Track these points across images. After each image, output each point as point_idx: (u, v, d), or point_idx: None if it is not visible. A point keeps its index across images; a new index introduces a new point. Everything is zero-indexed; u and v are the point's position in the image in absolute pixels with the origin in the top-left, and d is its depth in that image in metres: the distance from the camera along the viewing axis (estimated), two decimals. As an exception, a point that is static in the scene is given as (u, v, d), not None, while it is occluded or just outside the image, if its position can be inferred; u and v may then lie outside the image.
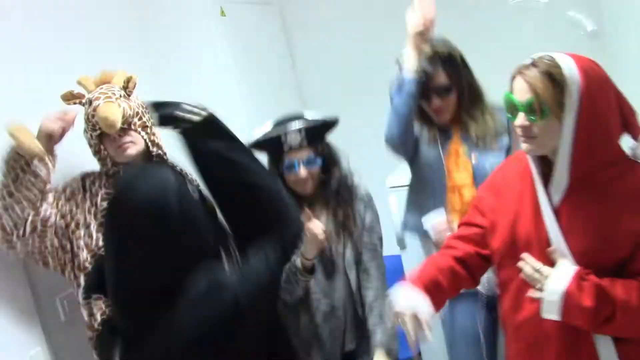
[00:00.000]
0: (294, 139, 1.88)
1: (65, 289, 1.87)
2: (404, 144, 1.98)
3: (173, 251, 1.27)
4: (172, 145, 1.64)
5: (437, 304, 1.47)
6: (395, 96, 1.92)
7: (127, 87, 1.79)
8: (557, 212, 1.34)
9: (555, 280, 1.29)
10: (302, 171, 1.90)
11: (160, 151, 1.81)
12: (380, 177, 2.52)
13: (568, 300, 1.28)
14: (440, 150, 1.95)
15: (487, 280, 1.80)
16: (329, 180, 1.97)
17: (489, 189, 1.55)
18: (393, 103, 1.93)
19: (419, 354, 2.68)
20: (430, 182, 2.00)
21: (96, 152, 1.78)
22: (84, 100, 1.77)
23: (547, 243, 1.34)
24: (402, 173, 2.65)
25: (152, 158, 1.80)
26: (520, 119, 1.31)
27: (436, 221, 1.88)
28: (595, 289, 1.27)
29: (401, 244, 2.55)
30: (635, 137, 1.34)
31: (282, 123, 1.91)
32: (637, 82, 2.22)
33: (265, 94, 2.77)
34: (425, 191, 2.04)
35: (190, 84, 2.52)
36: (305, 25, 3.18)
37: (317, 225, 1.85)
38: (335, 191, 1.98)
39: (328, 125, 1.95)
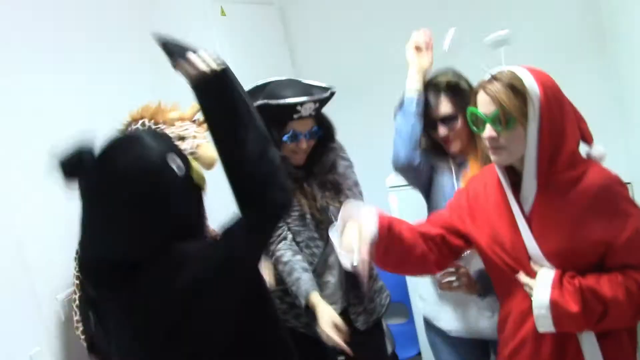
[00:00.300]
0: (308, 109, 1.87)
1: (65, 288, 1.87)
2: (412, 168, 1.92)
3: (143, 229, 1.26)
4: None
5: (386, 247, 1.46)
6: (397, 116, 1.91)
7: (201, 126, 1.88)
8: (529, 218, 1.40)
9: (538, 293, 1.35)
10: (304, 143, 1.90)
11: None
12: (380, 177, 2.52)
13: (555, 310, 1.33)
14: (454, 181, 1.88)
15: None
16: (321, 152, 1.97)
17: (468, 200, 1.58)
18: (396, 123, 1.91)
19: (419, 353, 2.68)
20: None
21: None
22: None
23: (523, 246, 1.41)
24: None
25: None
26: (488, 130, 1.38)
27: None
28: (580, 292, 1.32)
29: (401, 243, 2.55)
30: (588, 142, 1.44)
31: (284, 87, 1.91)
32: (637, 83, 2.22)
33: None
34: None
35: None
36: (305, 25, 3.18)
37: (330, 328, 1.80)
38: (326, 161, 1.99)
39: (332, 95, 1.96)
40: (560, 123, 1.35)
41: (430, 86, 1.87)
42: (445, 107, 1.83)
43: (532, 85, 1.34)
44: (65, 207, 1.81)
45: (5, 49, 1.85)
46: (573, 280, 1.34)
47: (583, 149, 1.44)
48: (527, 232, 1.40)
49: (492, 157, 1.42)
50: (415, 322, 2.64)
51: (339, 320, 1.82)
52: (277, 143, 1.90)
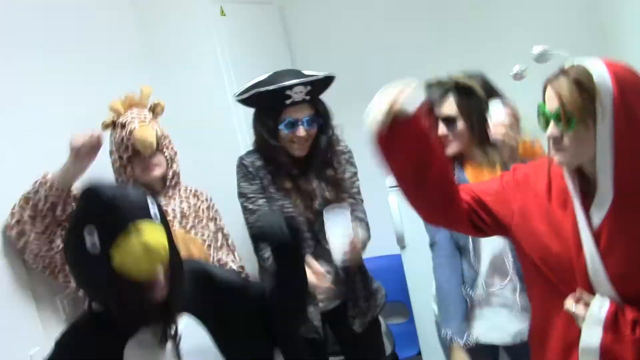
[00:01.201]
0: (300, 92, 1.82)
1: (66, 288, 1.87)
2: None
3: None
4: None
5: (408, 136, 1.30)
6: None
7: (155, 111, 1.94)
8: (596, 233, 1.24)
9: (588, 331, 1.21)
10: (302, 131, 1.86)
11: (177, 169, 1.98)
12: (380, 177, 2.51)
13: (606, 356, 1.19)
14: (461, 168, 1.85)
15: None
16: (320, 141, 1.95)
17: (518, 187, 1.41)
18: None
19: (419, 353, 2.68)
20: None
21: (121, 174, 1.88)
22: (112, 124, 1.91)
23: (584, 265, 1.25)
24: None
25: (171, 175, 1.96)
26: (550, 128, 1.25)
27: None
28: (636, 340, 1.17)
29: (401, 243, 2.55)
30: None
31: (282, 75, 1.86)
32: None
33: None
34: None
35: (190, 84, 2.52)
36: (305, 25, 3.18)
37: (318, 274, 1.82)
38: (324, 151, 1.96)
39: (329, 81, 1.93)
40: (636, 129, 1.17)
41: (441, 83, 1.82)
42: (448, 107, 1.80)
43: (603, 81, 1.17)
44: (65, 207, 1.82)
45: (5, 50, 1.85)
46: (632, 321, 1.18)
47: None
48: (592, 249, 1.23)
49: (555, 158, 1.27)
50: (416, 322, 2.64)
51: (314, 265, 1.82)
52: (274, 132, 1.88)
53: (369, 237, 2.02)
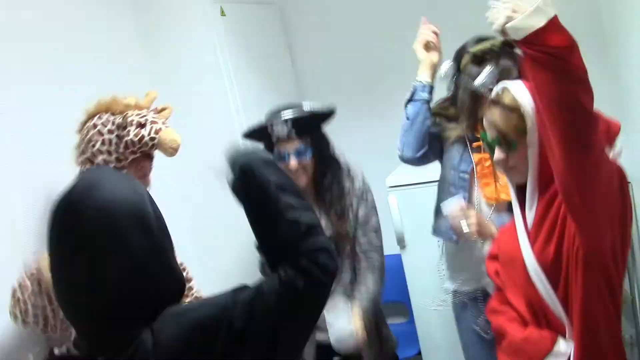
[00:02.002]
0: (280, 130, 1.88)
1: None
2: (418, 159, 1.96)
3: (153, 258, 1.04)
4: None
5: None
6: (408, 106, 1.92)
7: (162, 114, 1.81)
8: (531, 232, 1.40)
9: None
10: (292, 162, 1.90)
11: None
12: (380, 177, 2.52)
13: None
14: (467, 151, 1.90)
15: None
16: (323, 174, 1.97)
17: (500, 243, 1.61)
18: (406, 113, 1.93)
19: (419, 353, 2.68)
20: (453, 181, 1.96)
21: None
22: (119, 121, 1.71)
23: (523, 264, 1.40)
24: (402, 173, 2.65)
25: None
26: (496, 154, 1.41)
27: (453, 207, 1.82)
28: None
29: (401, 243, 2.55)
30: (609, 142, 1.40)
31: (274, 113, 1.93)
32: (637, 83, 2.22)
33: (265, 94, 2.77)
34: (448, 191, 1.99)
35: (190, 84, 2.52)
36: (305, 25, 3.18)
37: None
38: (329, 185, 1.97)
39: (318, 116, 1.93)
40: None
41: (476, 56, 1.80)
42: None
43: (524, 101, 1.33)
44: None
45: (6, 48, 1.85)
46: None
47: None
48: (525, 243, 1.39)
49: (508, 179, 1.46)
50: (415, 322, 2.64)
51: None
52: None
53: (380, 288, 1.99)
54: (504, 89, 1.39)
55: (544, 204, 1.36)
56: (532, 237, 1.39)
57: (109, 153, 1.69)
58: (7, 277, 1.66)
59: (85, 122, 1.75)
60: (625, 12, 2.30)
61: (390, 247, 2.68)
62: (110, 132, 1.69)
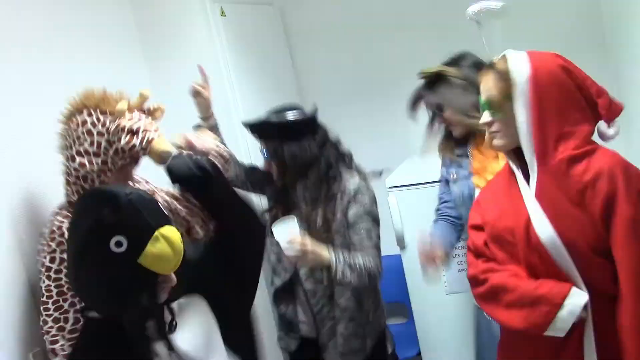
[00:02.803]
0: (252, 131, 2.01)
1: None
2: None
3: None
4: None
5: None
6: None
7: (154, 115, 1.75)
8: (537, 195, 1.41)
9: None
10: (264, 161, 2.04)
11: None
12: (381, 177, 2.52)
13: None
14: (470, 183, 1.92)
15: None
16: (298, 176, 1.97)
17: (486, 192, 1.64)
18: None
19: (419, 353, 2.68)
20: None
21: (92, 179, 1.64)
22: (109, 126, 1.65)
23: (528, 230, 1.41)
24: (402, 173, 2.65)
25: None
26: (484, 117, 1.47)
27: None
28: None
29: (401, 243, 2.55)
30: (607, 120, 1.45)
31: (270, 111, 2.01)
32: (637, 83, 2.22)
33: (265, 94, 2.77)
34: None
35: (190, 84, 2.52)
36: (305, 25, 3.18)
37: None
38: (313, 186, 1.96)
39: (270, 124, 1.95)
40: (557, 102, 1.38)
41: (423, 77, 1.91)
42: (437, 96, 1.91)
43: (518, 67, 1.40)
44: (65, 207, 1.81)
45: (4, 46, 1.85)
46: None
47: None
48: (538, 211, 1.39)
49: (493, 143, 1.48)
50: (415, 322, 2.64)
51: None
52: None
53: (358, 282, 1.89)
54: (503, 56, 1.46)
55: (548, 172, 1.38)
56: (543, 205, 1.39)
57: (96, 155, 1.62)
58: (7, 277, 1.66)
59: (71, 115, 1.67)
60: (625, 13, 2.30)
61: (390, 247, 2.68)
62: (100, 134, 1.62)
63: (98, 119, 1.62)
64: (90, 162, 1.61)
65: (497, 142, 1.47)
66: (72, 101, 1.67)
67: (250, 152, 2.50)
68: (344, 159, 2.03)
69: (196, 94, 2.08)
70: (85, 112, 1.64)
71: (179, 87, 2.50)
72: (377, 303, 2.09)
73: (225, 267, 1.51)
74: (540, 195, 1.40)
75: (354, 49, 3.10)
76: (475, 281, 1.55)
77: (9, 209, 1.73)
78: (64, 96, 1.87)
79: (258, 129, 1.98)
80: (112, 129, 1.61)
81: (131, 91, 1.93)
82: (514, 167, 1.48)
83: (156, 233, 1.21)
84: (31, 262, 1.76)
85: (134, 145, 1.62)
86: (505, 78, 1.41)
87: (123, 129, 1.61)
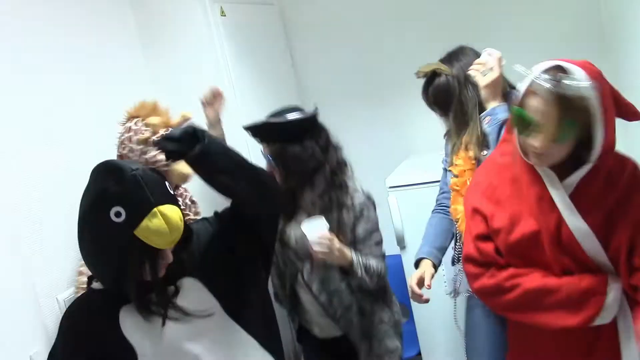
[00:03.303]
0: (253, 134, 1.96)
1: (66, 288, 1.87)
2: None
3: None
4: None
5: None
6: None
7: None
8: (571, 196, 1.40)
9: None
10: (267, 165, 1.95)
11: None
12: (380, 177, 2.52)
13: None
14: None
15: None
16: (299, 185, 1.94)
17: (483, 197, 1.55)
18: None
19: (419, 353, 2.68)
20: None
21: None
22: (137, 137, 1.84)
23: (558, 233, 1.40)
24: (402, 173, 2.65)
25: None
26: (539, 142, 1.36)
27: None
28: None
29: (401, 244, 2.55)
30: (629, 119, 1.43)
31: (272, 114, 1.97)
32: (637, 83, 2.22)
33: (265, 94, 2.77)
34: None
35: (191, 84, 2.52)
36: (305, 25, 3.18)
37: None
38: (323, 192, 1.93)
39: (271, 126, 1.90)
40: (611, 112, 1.35)
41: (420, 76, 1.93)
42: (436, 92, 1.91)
43: (588, 90, 1.30)
44: (65, 206, 1.82)
45: (5, 49, 1.85)
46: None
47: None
48: (574, 214, 1.39)
49: (534, 161, 1.41)
50: (415, 322, 2.64)
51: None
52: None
53: (370, 283, 1.93)
54: (561, 76, 1.32)
55: (597, 175, 1.38)
56: (578, 205, 1.39)
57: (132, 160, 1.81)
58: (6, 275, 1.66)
59: (127, 121, 1.89)
60: (625, 12, 2.30)
61: (390, 247, 2.68)
62: (138, 143, 1.83)
63: (140, 130, 1.83)
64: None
65: (542, 163, 1.41)
66: (130, 109, 1.89)
67: (251, 155, 2.50)
68: (346, 166, 2.00)
69: (206, 104, 2.17)
70: (134, 120, 1.86)
71: (179, 87, 2.51)
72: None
73: (244, 236, 1.50)
74: (577, 196, 1.40)
75: (354, 48, 3.10)
76: (497, 290, 1.48)
77: (9, 209, 1.73)
78: (64, 95, 1.89)
79: (259, 131, 1.93)
80: (146, 139, 1.81)
81: (131, 91, 1.94)
82: (548, 174, 1.42)
83: (155, 209, 1.26)
84: (31, 262, 1.76)
85: (158, 161, 1.81)
86: (576, 102, 1.30)
87: (152, 143, 1.77)
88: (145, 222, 1.25)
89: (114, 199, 1.25)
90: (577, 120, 1.31)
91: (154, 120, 1.84)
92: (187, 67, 2.53)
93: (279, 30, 3.16)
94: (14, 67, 1.86)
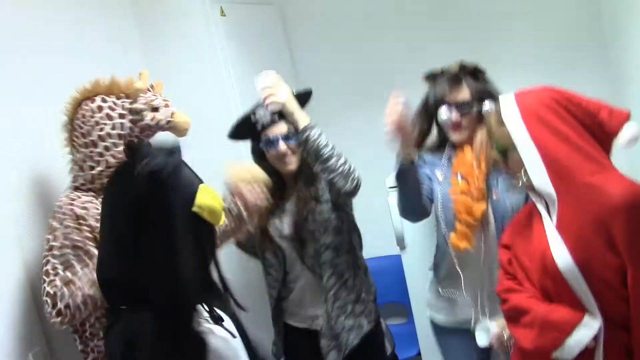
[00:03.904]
0: (262, 115, 1.91)
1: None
2: (423, 214, 2.02)
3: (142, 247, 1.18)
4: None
5: None
6: (398, 177, 1.93)
7: (156, 91, 1.87)
8: (557, 227, 1.44)
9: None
10: (282, 145, 1.91)
11: None
12: (380, 177, 2.52)
13: None
14: (446, 172, 1.96)
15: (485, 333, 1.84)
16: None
17: (519, 216, 1.66)
18: (397, 183, 1.95)
19: (419, 353, 2.68)
20: (442, 217, 1.98)
21: (112, 155, 1.71)
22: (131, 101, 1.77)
23: (544, 258, 1.43)
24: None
25: None
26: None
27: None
28: None
29: (401, 244, 2.55)
30: (614, 131, 1.43)
31: (255, 104, 1.96)
32: (637, 83, 2.22)
33: (265, 94, 2.77)
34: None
35: (190, 84, 2.52)
36: (305, 25, 3.18)
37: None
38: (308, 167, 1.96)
39: (297, 97, 1.92)
40: (554, 135, 1.40)
41: (448, 71, 1.90)
42: (463, 92, 1.88)
43: (511, 114, 1.45)
44: (65, 207, 1.81)
45: (4, 49, 1.85)
46: None
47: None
48: (556, 241, 1.41)
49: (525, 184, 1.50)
50: (415, 322, 2.64)
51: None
52: (261, 155, 1.98)
53: (337, 164, 1.88)
54: (496, 106, 1.52)
55: (568, 205, 1.40)
56: (564, 234, 1.41)
57: (120, 137, 1.72)
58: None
59: (78, 103, 1.75)
60: (625, 14, 2.30)
61: (390, 247, 2.68)
62: (121, 116, 1.73)
63: (115, 103, 1.74)
64: (107, 148, 1.71)
65: (519, 182, 1.50)
66: (81, 90, 1.77)
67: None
68: None
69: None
70: (98, 99, 1.74)
71: (179, 87, 2.51)
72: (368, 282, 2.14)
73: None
74: (561, 226, 1.42)
75: (354, 48, 3.10)
76: (500, 298, 1.62)
77: (9, 208, 1.73)
78: (63, 94, 1.88)
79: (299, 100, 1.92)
80: (133, 108, 1.74)
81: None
82: (536, 201, 1.50)
83: (200, 186, 1.25)
84: (31, 262, 1.76)
85: (160, 120, 1.76)
86: (504, 126, 1.47)
87: (145, 108, 1.75)
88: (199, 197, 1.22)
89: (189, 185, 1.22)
90: (500, 142, 1.51)
91: (140, 85, 1.80)
92: (187, 67, 2.53)
93: (279, 30, 3.16)
94: (11, 67, 1.86)
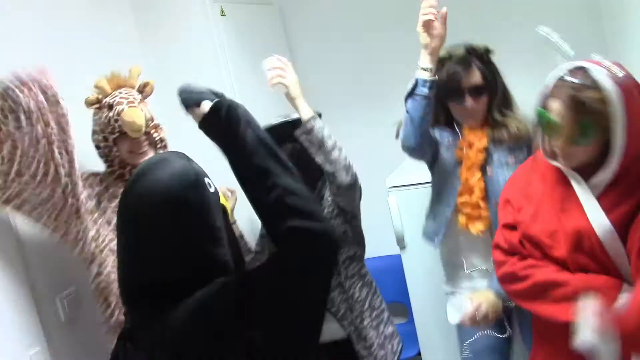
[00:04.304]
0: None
1: (65, 288, 1.87)
2: (422, 150, 1.94)
3: (185, 243, 1.13)
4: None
5: None
6: (408, 101, 1.85)
7: (144, 92, 1.90)
8: (599, 197, 1.40)
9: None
10: None
11: (166, 149, 1.93)
12: (380, 177, 2.52)
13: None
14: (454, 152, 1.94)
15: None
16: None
17: (516, 190, 1.61)
18: (406, 107, 1.86)
19: (419, 353, 2.68)
20: (445, 188, 1.98)
21: (106, 154, 1.84)
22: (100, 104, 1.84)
23: (578, 232, 1.40)
24: (402, 173, 2.65)
25: None
26: (561, 142, 1.40)
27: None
28: None
29: (401, 244, 2.55)
30: None
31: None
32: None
33: (265, 95, 2.76)
34: (440, 198, 2.03)
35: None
36: (305, 25, 3.18)
37: None
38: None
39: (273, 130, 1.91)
40: (636, 116, 1.33)
41: (457, 55, 1.86)
42: (475, 77, 1.84)
43: (611, 92, 1.32)
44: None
45: (5, 47, 1.85)
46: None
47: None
48: (600, 215, 1.38)
49: (562, 163, 1.44)
50: (415, 322, 2.64)
51: None
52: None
53: (339, 157, 1.84)
54: (586, 80, 1.36)
55: (623, 183, 1.38)
56: (605, 205, 1.38)
57: (99, 132, 1.82)
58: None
59: (100, 100, 1.85)
60: (625, 14, 2.30)
61: (390, 248, 2.68)
62: (100, 110, 1.83)
63: (102, 99, 1.82)
64: (97, 141, 1.84)
65: (571, 164, 1.43)
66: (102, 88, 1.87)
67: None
68: None
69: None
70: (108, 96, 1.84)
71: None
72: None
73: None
74: (602, 196, 1.40)
75: (354, 48, 3.10)
76: (513, 278, 1.54)
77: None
78: (63, 94, 1.88)
79: (282, 131, 1.91)
80: (104, 106, 1.81)
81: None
82: (572, 174, 1.45)
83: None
84: (31, 261, 1.76)
85: (110, 119, 1.78)
86: (597, 105, 1.33)
87: (105, 105, 1.80)
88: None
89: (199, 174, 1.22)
90: (595, 123, 1.34)
91: (102, 82, 1.83)
92: (187, 67, 2.53)
93: (279, 30, 3.16)
94: (11, 67, 1.86)
